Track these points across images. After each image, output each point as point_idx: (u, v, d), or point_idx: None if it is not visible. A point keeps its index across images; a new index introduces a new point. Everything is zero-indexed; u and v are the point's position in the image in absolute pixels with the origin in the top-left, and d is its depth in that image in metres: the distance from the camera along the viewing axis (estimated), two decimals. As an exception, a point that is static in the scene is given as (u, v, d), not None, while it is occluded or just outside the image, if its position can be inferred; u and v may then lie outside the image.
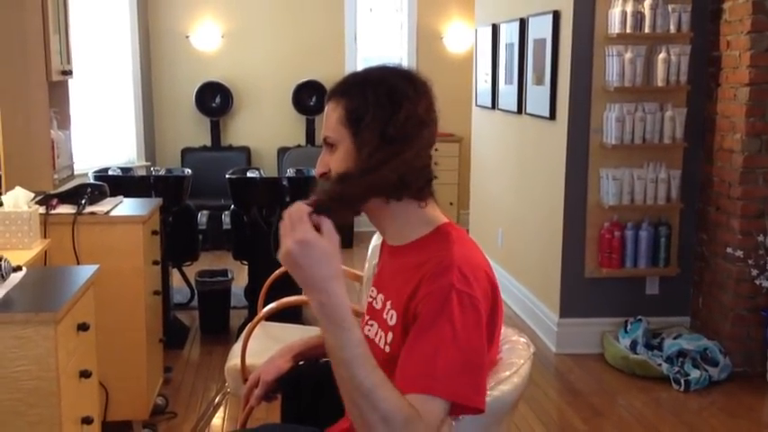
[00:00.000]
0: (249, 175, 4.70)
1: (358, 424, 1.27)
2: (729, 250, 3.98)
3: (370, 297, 1.58)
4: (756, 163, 3.92)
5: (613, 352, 4.10)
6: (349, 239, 6.66)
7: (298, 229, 1.26)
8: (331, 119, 1.50)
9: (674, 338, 4.05)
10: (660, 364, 3.94)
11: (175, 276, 4.80)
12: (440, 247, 1.43)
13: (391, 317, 1.48)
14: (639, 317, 4.16)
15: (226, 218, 4.63)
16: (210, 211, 4.93)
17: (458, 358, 1.33)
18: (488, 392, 1.46)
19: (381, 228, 1.57)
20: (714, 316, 4.15)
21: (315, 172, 1.56)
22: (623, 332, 4.15)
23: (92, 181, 3.95)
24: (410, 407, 1.26)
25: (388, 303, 1.50)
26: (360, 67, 6.67)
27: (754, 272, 3.89)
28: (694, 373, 3.85)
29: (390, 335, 1.47)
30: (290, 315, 3.93)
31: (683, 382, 3.82)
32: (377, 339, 1.51)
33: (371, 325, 1.54)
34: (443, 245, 1.43)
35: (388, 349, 1.47)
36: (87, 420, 2.30)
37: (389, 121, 1.43)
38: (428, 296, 1.37)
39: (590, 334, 4.27)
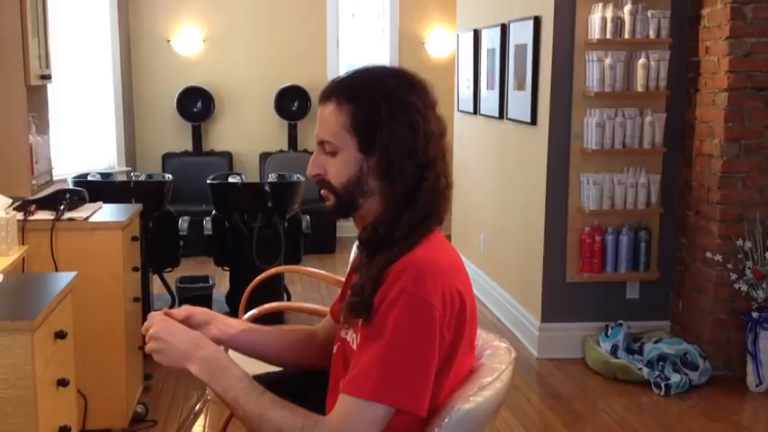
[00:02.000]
0: (231, 180, 4.69)
1: None
2: (709, 254, 4.01)
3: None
4: (735, 168, 3.95)
5: (594, 356, 4.12)
6: (331, 245, 6.65)
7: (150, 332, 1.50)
8: (331, 122, 1.46)
9: (655, 343, 4.07)
10: (641, 369, 3.96)
11: (156, 282, 4.76)
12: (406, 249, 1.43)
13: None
14: (620, 321, 4.18)
15: (207, 223, 4.61)
16: (192, 216, 4.90)
17: (400, 364, 1.35)
18: (471, 398, 1.46)
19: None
20: (694, 320, 4.18)
21: (307, 172, 1.53)
22: (604, 336, 4.17)
23: (71, 186, 3.91)
24: (305, 417, 1.37)
25: None
26: (342, 72, 6.62)
27: (733, 276, 3.92)
28: (675, 377, 3.87)
29: (358, 336, 1.48)
30: (271, 321, 3.91)
31: (663, 386, 3.84)
32: (350, 341, 1.51)
33: (348, 329, 1.54)
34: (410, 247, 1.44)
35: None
36: (65, 429, 2.27)
37: (408, 141, 1.43)
38: (384, 299, 1.38)
39: (571, 338, 4.28)
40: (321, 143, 1.49)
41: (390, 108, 1.43)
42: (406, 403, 1.35)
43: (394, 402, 1.34)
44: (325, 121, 1.47)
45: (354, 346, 1.49)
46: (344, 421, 1.34)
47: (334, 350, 1.60)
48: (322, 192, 1.52)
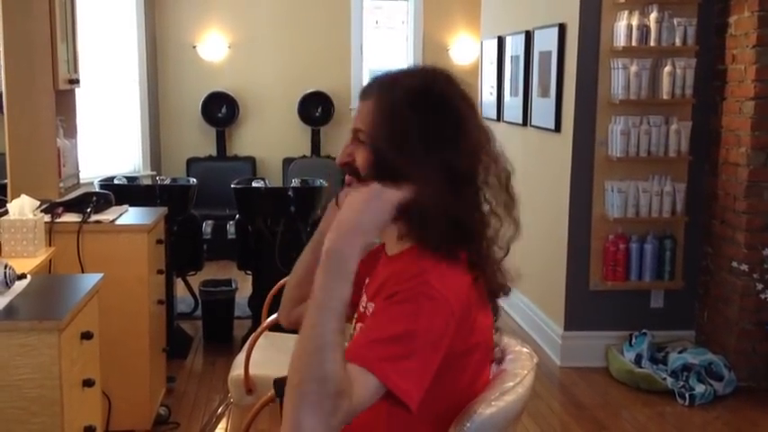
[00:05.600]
0: (254, 185, 4.71)
1: (292, 379, 1.21)
2: (734, 264, 3.97)
3: (362, 306, 1.58)
4: (761, 177, 3.91)
5: (618, 365, 4.09)
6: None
7: (386, 192, 1.31)
8: (369, 115, 1.46)
9: (679, 352, 4.04)
10: (665, 378, 3.93)
11: (179, 286, 4.80)
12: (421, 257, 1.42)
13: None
14: (644, 330, 4.14)
15: (230, 228, 4.63)
16: (215, 220, 4.92)
17: (407, 348, 1.30)
18: (493, 403, 1.46)
19: (385, 236, 1.57)
20: (719, 330, 4.14)
21: (337, 161, 1.52)
22: (628, 345, 4.14)
23: (97, 189, 3.96)
24: (348, 381, 1.21)
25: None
26: (365, 79, 6.63)
27: (760, 286, 3.88)
28: (699, 388, 3.83)
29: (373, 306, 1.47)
30: (294, 325, 3.92)
31: (687, 396, 3.80)
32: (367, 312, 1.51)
33: (366, 302, 1.54)
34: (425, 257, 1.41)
35: None
36: (90, 430, 2.30)
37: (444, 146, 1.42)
38: (398, 290, 1.36)
39: (594, 347, 4.26)
40: (355, 132, 1.49)
41: (429, 109, 1.42)
42: (401, 387, 1.28)
43: (389, 381, 1.27)
44: (364, 114, 1.48)
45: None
46: (356, 394, 1.24)
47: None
48: (346, 178, 1.51)
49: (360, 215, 1.28)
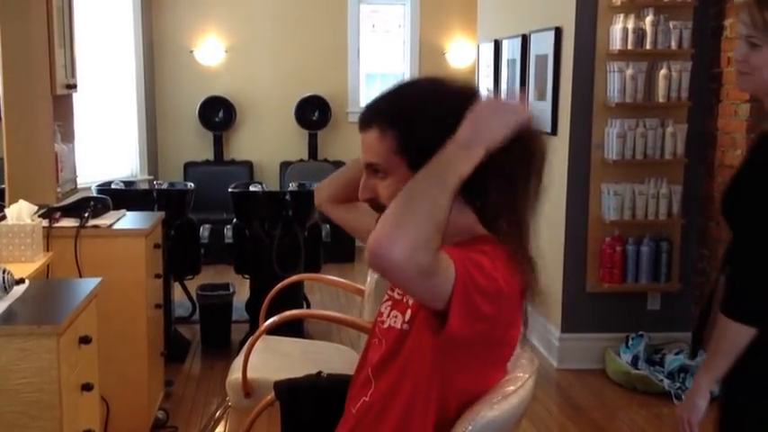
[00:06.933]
0: (251, 189, 4.72)
1: (421, 225, 1.23)
2: (731, 266, 3.98)
3: (398, 293, 1.55)
4: (757, 179, 3.92)
5: (615, 367, 4.10)
6: (351, 254, 6.67)
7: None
8: (377, 147, 1.42)
9: (676, 354, 4.05)
10: (661, 380, 3.94)
11: (177, 290, 4.80)
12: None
13: (410, 299, 1.48)
14: (641, 332, 4.16)
15: (228, 232, 4.63)
16: (213, 224, 4.92)
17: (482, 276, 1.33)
18: (495, 406, 1.46)
19: None
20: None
21: (359, 197, 1.50)
22: (624, 347, 4.15)
23: (95, 194, 3.96)
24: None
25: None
26: (362, 83, 6.58)
27: (756, 288, 3.88)
28: (696, 389, 3.84)
29: (409, 312, 1.48)
30: (292, 329, 3.93)
31: (684, 397, 3.81)
32: (393, 323, 1.51)
33: (393, 316, 1.53)
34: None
35: (405, 327, 1.48)
36: (88, 433, 2.30)
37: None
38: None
39: (591, 349, 4.27)
40: (370, 166, 1.45)
41: (435, 119, 1.39)
42: (458, 302, 1.29)
43: (458, 288, 1.28)
44: (371, 147, 1.44)
45: (399, 325, 1.49)
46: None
47: (370, 340, 1.61)
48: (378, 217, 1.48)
49: (494, 118, 1.36)
